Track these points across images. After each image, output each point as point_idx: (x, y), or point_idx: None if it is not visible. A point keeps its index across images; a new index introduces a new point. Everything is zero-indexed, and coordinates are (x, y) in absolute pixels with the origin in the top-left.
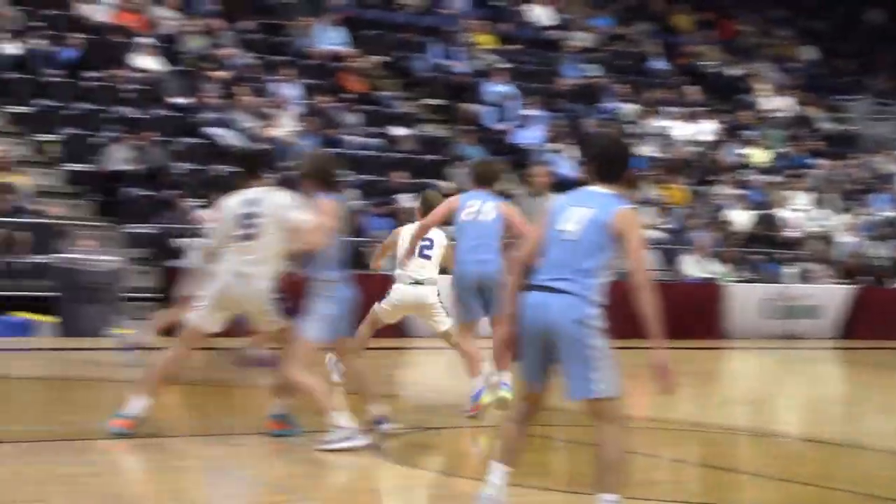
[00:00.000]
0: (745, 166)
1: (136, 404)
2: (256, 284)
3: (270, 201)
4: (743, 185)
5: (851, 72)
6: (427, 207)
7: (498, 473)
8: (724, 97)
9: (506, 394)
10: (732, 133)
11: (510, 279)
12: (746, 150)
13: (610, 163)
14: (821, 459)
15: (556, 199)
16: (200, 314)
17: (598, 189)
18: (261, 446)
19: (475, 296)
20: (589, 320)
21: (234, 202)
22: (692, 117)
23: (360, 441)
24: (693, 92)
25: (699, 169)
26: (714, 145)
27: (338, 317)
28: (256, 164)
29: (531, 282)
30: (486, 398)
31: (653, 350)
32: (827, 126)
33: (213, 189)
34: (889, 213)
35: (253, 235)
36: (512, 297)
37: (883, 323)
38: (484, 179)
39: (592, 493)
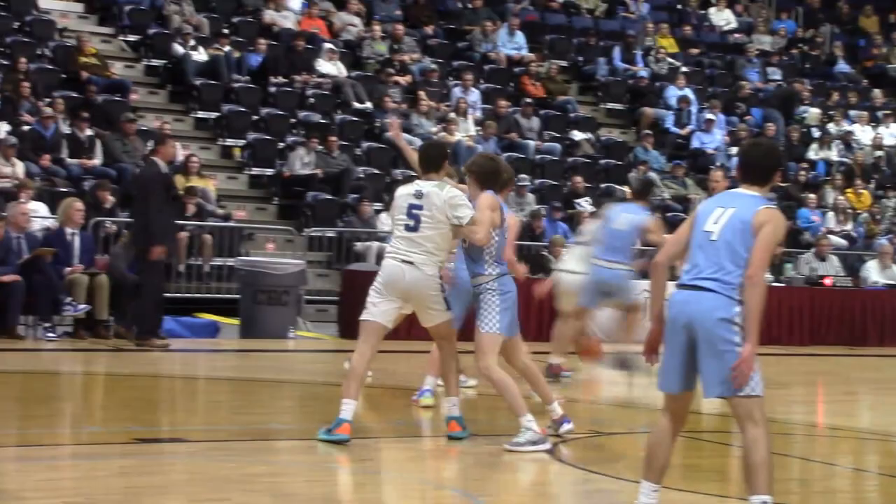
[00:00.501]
0: None
1: (348, 409)
2: (423, 271)
3: (438, 195)
4: None
5: None
6: None
7: (646, 492)
8: None
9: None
10: None
11: (654, 281)
12: None
13: (755, 166)
14: None
15: (704, 202)
16: (372, 310)
17: (743, 191)
18: (437, 448)
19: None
20: (733, 318)
21: (405, 192)
22: (878, 121)
23: (546, 446)
24: (879, 95)
25: (884, 173)
26: None
27: (510, 311)
28: (432, 158)
29: (678, 282)
30: (428, 400)
31: (746, 343)
32: None
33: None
34: None
35: (417, 227)
36: (658, 298)
37: None
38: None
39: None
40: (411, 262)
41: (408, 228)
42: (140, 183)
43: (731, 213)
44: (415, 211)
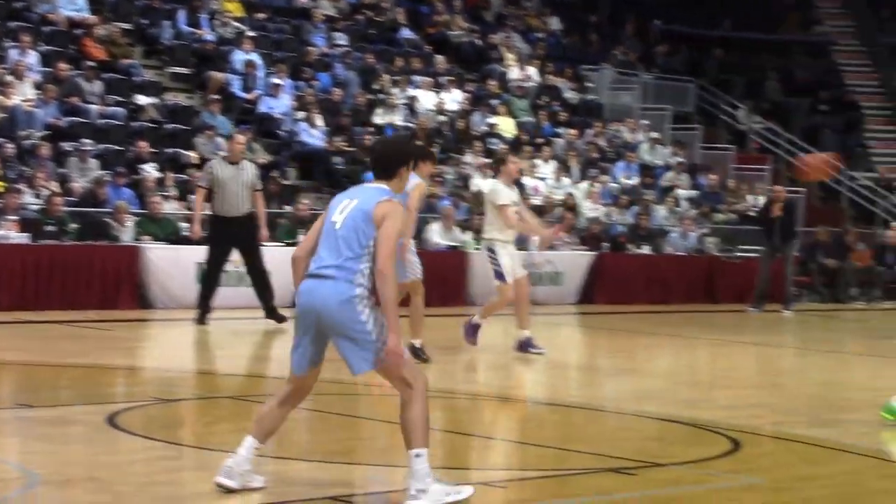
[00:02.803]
0: (492, 135)
1: None
2: None
3: None
4: (490, 154)
5: (595, 42)
6: None
7: (245, 445)
8: (472, 67)
9: None
10: (479, 102)
11: (294, 273)
12: (493, 120)
13: (380, 160)
14: (561, 422)
15: (338, 194)
16: None
17: (371, 184)
18: None
19: None
20: (353, 299)
21: None
22: (440, 87)
23: None
24: (441, 61)
25: (446, 138)
26: (461, 115)
27: None
28: None
29: (307, 271)
30: None
31: (389, 334)
32: (571, 95)
33: None
34: (629, 182)
35: None
36: (296, 288)
37: (621, 289)
38: None
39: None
40: None
41: None
42: None
43: (354, 205)
44: None
